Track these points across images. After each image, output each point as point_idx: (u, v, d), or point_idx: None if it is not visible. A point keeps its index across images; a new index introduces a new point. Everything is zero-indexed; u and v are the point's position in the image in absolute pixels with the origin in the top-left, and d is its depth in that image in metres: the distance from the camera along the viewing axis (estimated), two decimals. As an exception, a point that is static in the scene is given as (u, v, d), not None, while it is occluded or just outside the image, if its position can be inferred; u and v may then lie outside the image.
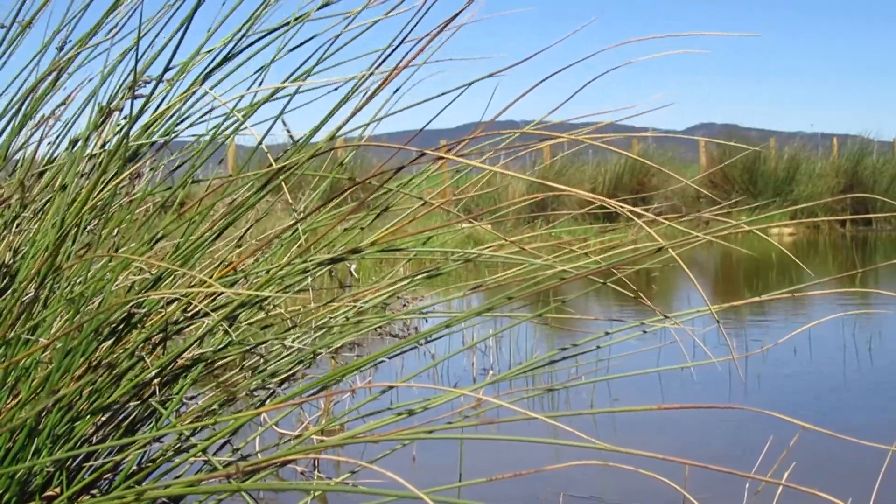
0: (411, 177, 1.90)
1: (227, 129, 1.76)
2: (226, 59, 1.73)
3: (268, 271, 1.69)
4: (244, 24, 1.72)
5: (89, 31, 1.77)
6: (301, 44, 1.75)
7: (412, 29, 1.60)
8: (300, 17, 1.71)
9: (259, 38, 1.74)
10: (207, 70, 1.73)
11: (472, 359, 4.65)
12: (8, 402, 1.58)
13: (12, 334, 1.57)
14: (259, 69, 1.74)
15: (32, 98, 1.77)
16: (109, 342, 1.61)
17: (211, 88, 1.71)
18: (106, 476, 1.69)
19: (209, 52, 1.74)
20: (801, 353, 4.84)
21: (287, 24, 1.72)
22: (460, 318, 1.72)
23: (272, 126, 1.72)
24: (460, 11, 1.54)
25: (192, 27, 1.68)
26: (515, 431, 3.18)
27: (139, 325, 1.64)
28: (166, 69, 1.69)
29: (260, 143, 1.72)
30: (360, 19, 1.73)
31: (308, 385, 1.75)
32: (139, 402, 1.70)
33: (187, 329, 1.72)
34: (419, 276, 1.87)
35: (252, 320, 1.94)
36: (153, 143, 1.77)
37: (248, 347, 1.79)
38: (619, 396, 3.88)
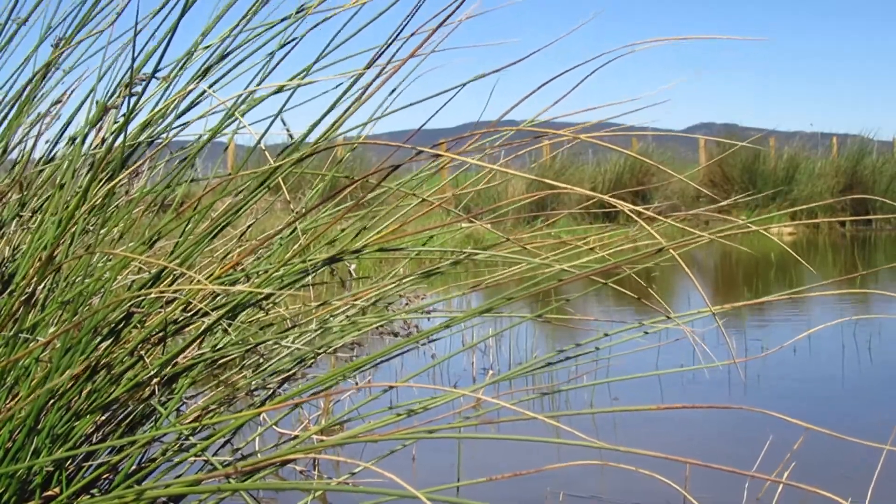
0: (411, 176, 1.89)
1: (225, 127, 1.75)
2: (223, 56, 1.73)
3: (266, 270, 1.69)
4: (241, 20, 1.72)
5: (81, 20, 1.76)
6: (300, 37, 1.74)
7: (405, 25, 1.59)
8: (300, 11, 1.71)
9: (259, 34, 1.74)
10: (204, 67, 1.72)
11: (472, 359, 4.64)
12: (7, 401, 1.57)
13: (11, 333, 1.57)
14: (261, 62, 1.74)
15: (28, 95, 1.77)
16: (109, 341, 1.61)
17: (209, 87, 1.71)
18: (106, 476, 1.69)
19: (206, 47, 1.74)
20: (800, 353, 4.84)
21: (289, 16, 1.72)
22: (460, 318, 1.71)
23: (271, 124, 1.72)
24: (460, 4, 1.54)
25: (192, 24, 1.67)
26: (515, 431, 3.18)
27: (138, 325, 1.64)
28: (157, 67, 1.68)
29: (259, 142, 1.72)
30: (363, 15, 1.73)
31: (308, 385, 1.74)
32: (139, 401, 1.70)
33: (187, 329, 1.71)
34: (419, 275, 1.86)
35: (252, 319, 1.93)
36: (151, 141, 1.76)
37: (247, 347, 1.79)
38: (619, 396, 3.88)
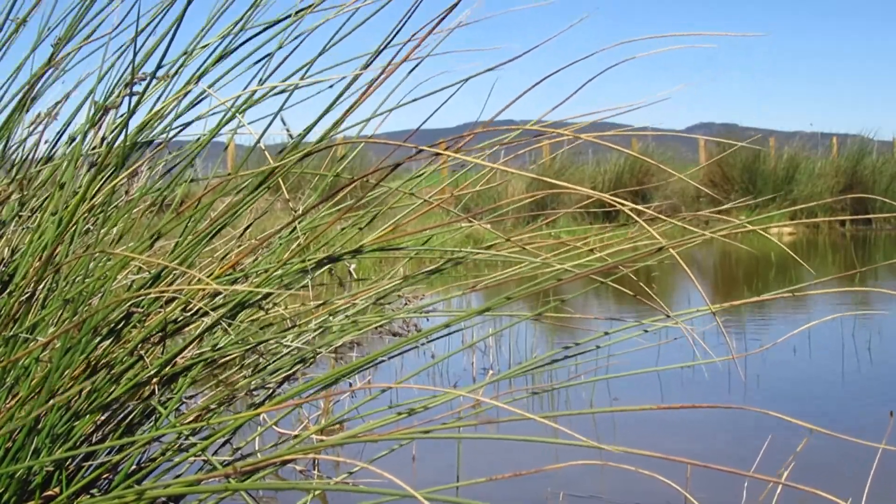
0: (411, 175, 1.89)
1: (225, 126, 1.75)
2: (223, 56, 1.73)
3: (266, 270, 1.69)
4: (242, 17, 1.72)
5: (77, 16, 1.76)
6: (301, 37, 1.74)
7: (404, 23, 1.59)
8: (301, 10, 1.71)
9: (258, 34, 1.74)
10: (204, 67, 1.72)
11: (472, 358, 4.65)
12: (7, 401, 1.57)
13: (11, 333, 1.57)
14: (260, 62, 1.73)
15: (27, 95, 1.77)
16: (109, 341, 1.61)
17: (209, 86, 1.71)
18: (105, 476, 1.69)
19: (204, 47, 1.74)
20: (800, 353, 4.84)
21: (288, 15, 1.72)
22: (460, 318, 1.71)
23: (270, 123, 1.71)
24: (456, 4, 1.54)
25: (192, 23, 1.67)
26: (515, 431, 3.18)
27: (138, 325, 1.64)
28: (159, 65, 1.68)
29: (258, 141, 1.72)
30: (362, 13, 1.72)
31: (308, 385, 1.75)
32: (139, 401, 1.70)
33: (187, 328, 1.71)
34: (419, 275, 1.86)
35: (252, 319, 1.93)
36: (150, 141, 1.76)
37: (247, 347, 1.79)
38: (619, 396, 3.88)
